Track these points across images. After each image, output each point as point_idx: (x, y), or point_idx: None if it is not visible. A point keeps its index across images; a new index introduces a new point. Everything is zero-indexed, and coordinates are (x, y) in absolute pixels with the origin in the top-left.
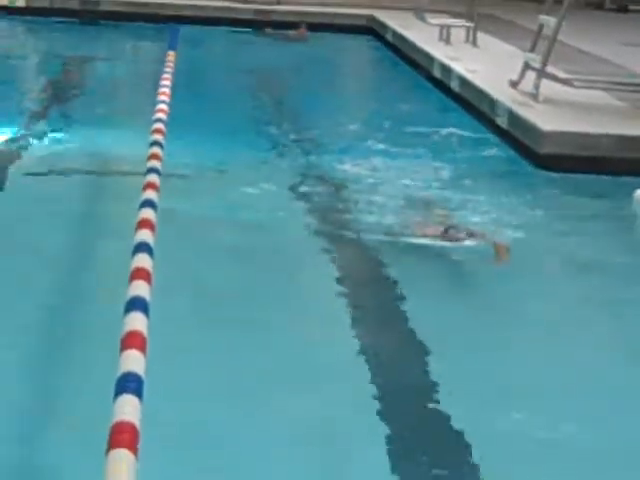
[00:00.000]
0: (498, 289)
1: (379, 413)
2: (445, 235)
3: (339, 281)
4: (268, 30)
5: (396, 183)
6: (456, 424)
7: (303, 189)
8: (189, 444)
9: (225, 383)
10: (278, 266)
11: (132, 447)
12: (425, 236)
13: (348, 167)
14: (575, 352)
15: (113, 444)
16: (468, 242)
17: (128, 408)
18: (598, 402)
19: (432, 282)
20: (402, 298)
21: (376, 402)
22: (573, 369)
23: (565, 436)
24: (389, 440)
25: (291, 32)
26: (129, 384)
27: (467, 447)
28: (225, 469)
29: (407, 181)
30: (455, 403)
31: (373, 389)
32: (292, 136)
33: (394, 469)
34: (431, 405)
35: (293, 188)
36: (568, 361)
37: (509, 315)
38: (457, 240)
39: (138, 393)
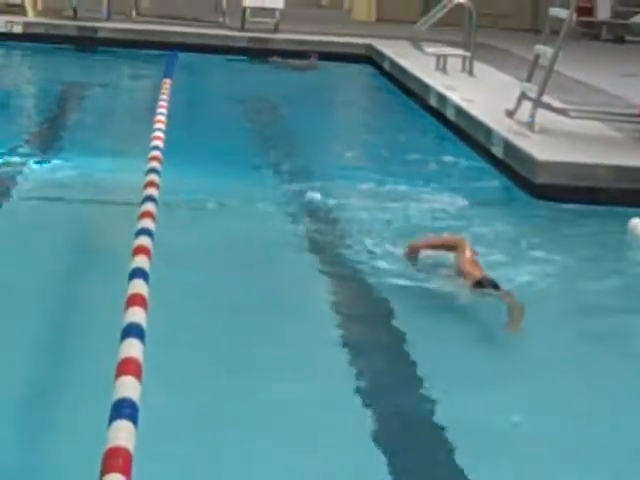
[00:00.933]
0: None
1: None
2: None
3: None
4: (274, 59)
5: (391, 214)
6: None
7: (300, 220)
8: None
9: None
10: (271, 307)
11: (126, 472)
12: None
13: (344, 197)
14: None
15: (107, 469)
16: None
17: (122, 433)
18: None
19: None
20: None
21: None
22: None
23: None
24: None
25: (300, 61)
26: (124, 409)
27: None
28: None
29: (401, 212)
30: None
31: None
32: (288, 165)
33: None
34: None
35: (289, 219)
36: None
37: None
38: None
39: (133, 419)
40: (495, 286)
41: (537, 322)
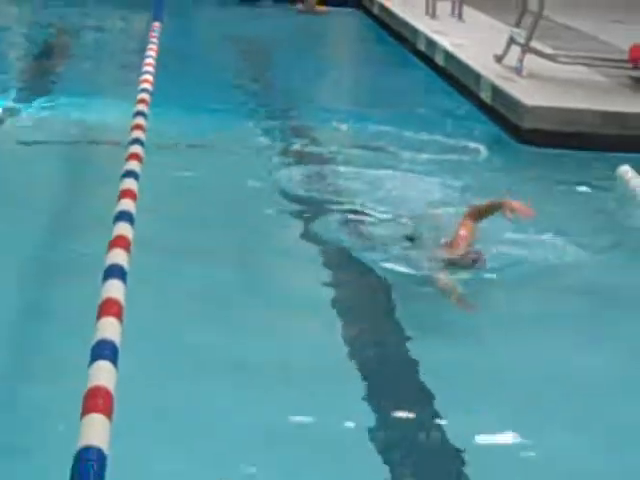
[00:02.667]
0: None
1: None
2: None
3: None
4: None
5: (376, 155)
6: None
7: (285, 164)
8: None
9: None
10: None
11: (107, 412)
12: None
13: (330, 141)
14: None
15: (88, 409)
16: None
17: (103, 374)
18: None
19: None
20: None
21: None
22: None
23: None
24: None
25: (299, 5)
26: (105, 350)
27: None
28: None
29: (390, 155)
30: None
31: None
32: (276, 108)
33: None
34: None
35: (274, 162)
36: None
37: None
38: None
39: (113, 359)
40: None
41: (524, 272)
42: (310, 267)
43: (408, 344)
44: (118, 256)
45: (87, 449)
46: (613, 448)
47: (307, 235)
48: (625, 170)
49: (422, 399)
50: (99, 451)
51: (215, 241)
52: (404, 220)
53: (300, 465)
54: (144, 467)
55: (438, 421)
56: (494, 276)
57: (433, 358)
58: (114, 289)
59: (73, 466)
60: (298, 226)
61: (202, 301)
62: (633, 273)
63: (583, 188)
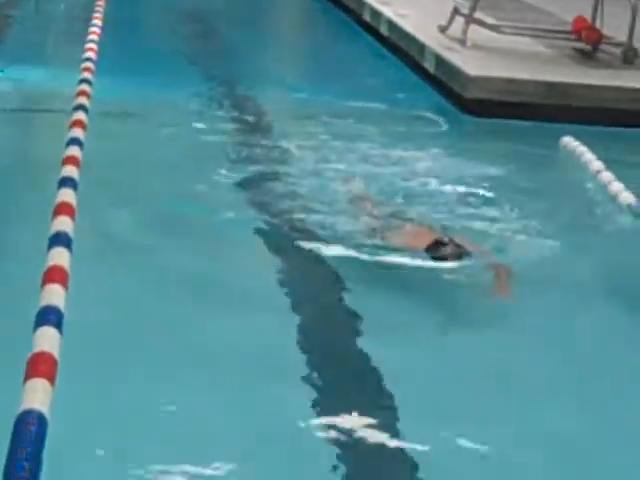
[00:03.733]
0: None
1: None
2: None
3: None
4: None
5: (321, 125)
6: None
7: (227, 132)
8: None
9: None
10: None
11: (50, 377)
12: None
13: (275, 111)
14: None
15: (32, 373)
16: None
17: (47, 340)
18: None
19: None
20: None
21: None
22: None
23: None
24: None
25: None
26: (49, 316)
27: None
28: None
29: (334, 125)
30: None
31: None
32: (220, 77)
33: None
34: None
35: (216, 130)
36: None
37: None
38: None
39: (58, 326)
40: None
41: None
42: (252, 238)
43: (360, 339)
44: (63, 223)
45: (28, 412)
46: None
47: (249, 204)
48: (568, 140)
49: (373, 397)
50: (40, 415)
51: (155, 210)
52: (350, 193)
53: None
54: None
55: (386, 419)
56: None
57: (385, 354)
58: (59, 256)
59: (14, 428)
60: (241, 196)
61: (144, 272)
62: (581, 243)
63: (526, 157)
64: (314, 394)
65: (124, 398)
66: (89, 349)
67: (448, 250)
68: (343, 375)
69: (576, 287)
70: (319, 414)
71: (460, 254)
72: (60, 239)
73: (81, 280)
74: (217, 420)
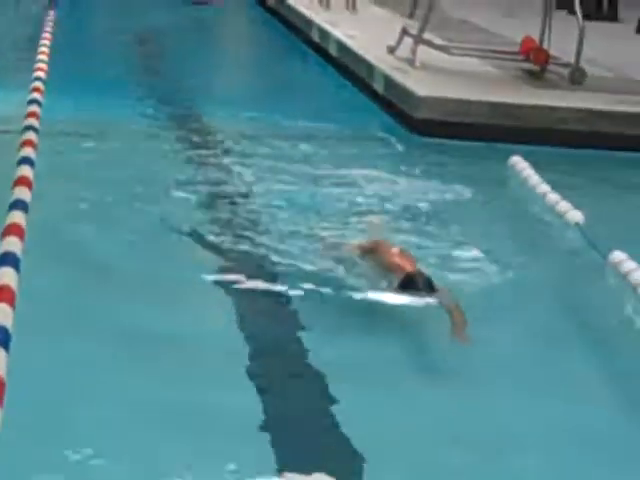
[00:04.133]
0: None
1: None
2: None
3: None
4: None
5: (268, 146)
6: None
7: (179, 148)
8: None
9: None
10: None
11: None
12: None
13: (224, 131)
14: None
15: None
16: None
17: None
18: None
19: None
20: None
21: None
22: None
23: None
24: None
25: None
26: None
27: None
28: None
29: (281, 147)
30: None
31: None
32: (168, 97)
33: None
34: None
35: (168, 146)
36: None
37: None
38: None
39: (5, 345)
40: (430, 285)
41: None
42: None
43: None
44: (11, 244)
45: None
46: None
47: (197, 223)
48: (517, 160)
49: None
50: None
51: (110, 226)
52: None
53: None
54: None
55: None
56: None
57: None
58: (7, 277)
59: None
60: (193, 214)
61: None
62: (529, 264)
63: (475, 178)
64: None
65: None
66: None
67: (419, 285)
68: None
69: (525, 307)
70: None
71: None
72: (8, 259)
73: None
74: None
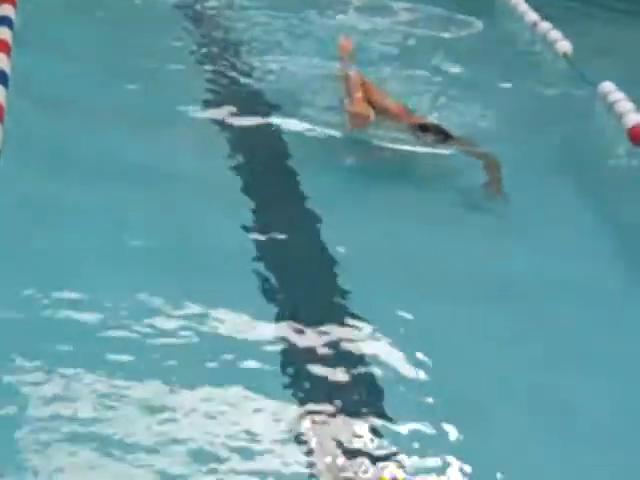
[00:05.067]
0: None
1: None
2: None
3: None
4: None
5: None
6: None
7: None
8: None
9: None
10: None
11: None
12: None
13: None
14: None
15: None
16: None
17: None
18: None
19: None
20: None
21: None
22: None
23: None
24: None
25: None
26: None
27: None
28: None
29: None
30: None
31: None
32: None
33: None
34: None
35: None
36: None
37: None
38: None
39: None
40: (444, 132)
41: None
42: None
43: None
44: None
45: None
46: None
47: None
48: None
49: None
50: None
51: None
52: None
53: None
54: None
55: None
56: None
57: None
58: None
59: None
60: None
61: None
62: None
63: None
64: None
65: None
66: None
67: (431, 136)
68: None
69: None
70: None
71: (445, 139)
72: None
73: None
74: None
